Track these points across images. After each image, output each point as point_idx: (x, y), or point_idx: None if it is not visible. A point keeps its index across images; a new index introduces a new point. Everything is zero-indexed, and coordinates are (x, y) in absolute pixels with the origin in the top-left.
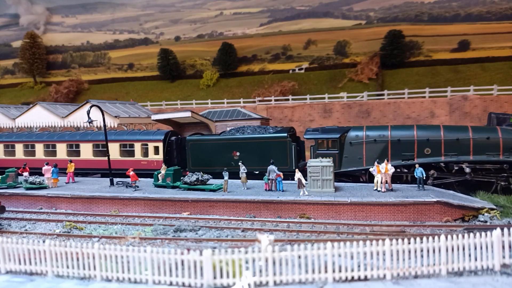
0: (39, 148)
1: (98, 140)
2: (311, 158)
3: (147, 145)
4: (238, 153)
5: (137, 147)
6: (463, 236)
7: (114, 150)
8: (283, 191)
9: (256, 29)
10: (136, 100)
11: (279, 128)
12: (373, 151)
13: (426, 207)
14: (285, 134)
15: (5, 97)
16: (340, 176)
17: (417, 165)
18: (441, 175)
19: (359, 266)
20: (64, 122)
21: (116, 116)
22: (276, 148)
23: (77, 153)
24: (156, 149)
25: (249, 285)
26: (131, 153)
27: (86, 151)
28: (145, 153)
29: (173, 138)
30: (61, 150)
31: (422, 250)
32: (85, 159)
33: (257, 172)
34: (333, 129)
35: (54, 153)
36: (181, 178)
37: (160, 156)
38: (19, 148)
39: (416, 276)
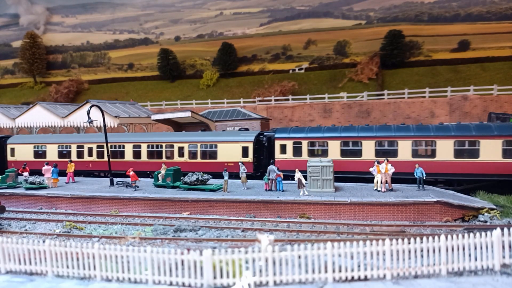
0: (334, 146)
1: (386, 136)
2: None
3: None
4: None
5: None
6: (463, 236)
7: (446, 149)
8: (283, 191)
9: (256, 29)
10: (136, 100)
11: None
12: None
13: (426, 207)
14: None
15: (5, 97)
16: None
17: (417, 165)
18: None
19: (359, 266)
20: (64, 122)
21: (116, 116)
22: None
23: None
24: None
25: (249, 285)
26: (474, 153)
27: (368, 149)
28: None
29: None
30: (368, 150)
31: (422, 250)
32: (403, 160)
33: None
34: None
35: (358, 153)
36: (181, 178)
37: None
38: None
39: (416, 276)
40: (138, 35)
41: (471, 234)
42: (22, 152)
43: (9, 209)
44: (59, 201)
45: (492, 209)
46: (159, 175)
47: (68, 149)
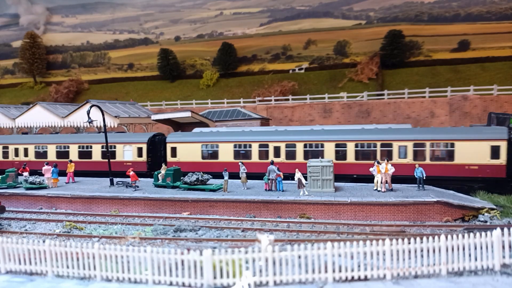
0: None
1: None
2: None
3: None
4: None
5: None
6: (463, 236)
7: None
8: (283, 191)
9: (256, 29)
10: (136, 100)
11: None
12: None
13: (426, 207)
14: None
15: (5, 97)
16: None
17: (417, 165)
18: None
19: (359, 266)
20: (64, 122)
21: (116, 116)
22: None
23: None
24: None
25: (249, 285)
26: None
27: None
28: None
29: None
30: None
31: (422, 250)
32: None
33: None
34: None
35: None
36: (181, 178)
37: None
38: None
39: (416, 276)
40: (138, 35)
41: (471, 234)
42: (186, 152)
43: (9, 209)
44: (59, 201)
45: (492, 209)
46: (159, 175)
47: (248, 149)
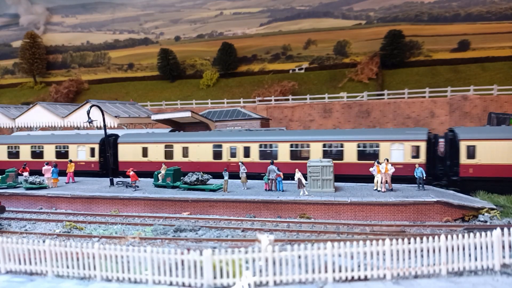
0: None
1: None
2: None
3: None
4: None
5: None
6: (463, 236)
7: None
8: (283, 191)
9: (256, 29)
10: (136, 100)
11: None
12: None
13: (426, 207)
14: None
15: (5, 97)
16: None
17: (417, 165)
18: None
19: (359, 266)
20: (64, 122)
21: (116, 116)
22: None
23: None
24: None
25: (249, 285)
26: None
27: None
28: None
29: None
30: None
31: (422, 250)
32: None
33: None
34: None
35: None
36: (181, 178)
37: None
38: None
39: (416, 276)
40: (138, 35)
41: (471, 234)
42: (493, 152)
43: (9, 209)
44: (59, 201)
45: (492, 209)
46: (159, 175)
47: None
